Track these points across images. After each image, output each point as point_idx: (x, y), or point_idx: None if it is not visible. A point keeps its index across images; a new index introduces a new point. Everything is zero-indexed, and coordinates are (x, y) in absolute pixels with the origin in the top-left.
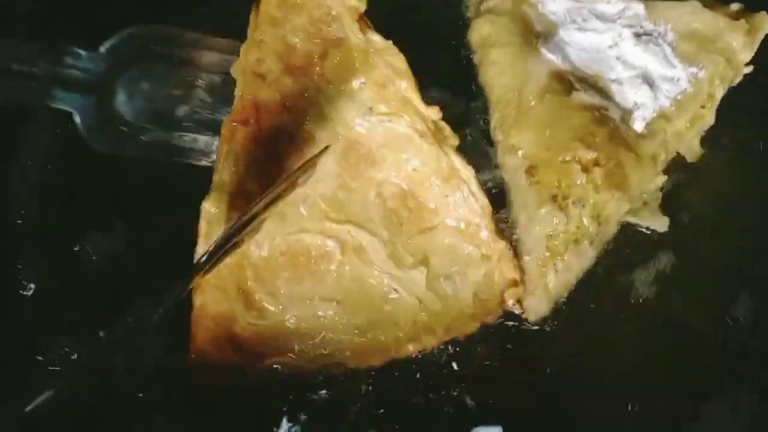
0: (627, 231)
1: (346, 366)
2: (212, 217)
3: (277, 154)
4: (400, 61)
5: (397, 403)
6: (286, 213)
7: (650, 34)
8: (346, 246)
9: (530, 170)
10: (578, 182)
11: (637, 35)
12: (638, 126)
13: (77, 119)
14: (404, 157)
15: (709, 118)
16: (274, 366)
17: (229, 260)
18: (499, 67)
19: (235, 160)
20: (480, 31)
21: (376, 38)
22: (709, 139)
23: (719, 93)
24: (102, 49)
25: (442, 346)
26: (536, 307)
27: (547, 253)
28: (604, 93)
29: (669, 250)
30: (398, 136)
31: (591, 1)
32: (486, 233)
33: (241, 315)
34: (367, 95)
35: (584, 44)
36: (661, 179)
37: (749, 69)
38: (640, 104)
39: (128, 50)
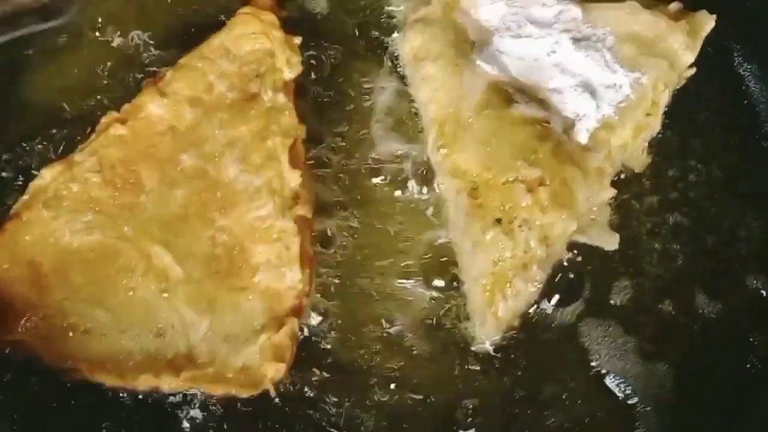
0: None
1: (80, 374)
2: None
3: (135, 171)
4: (289, 120)
5: None
6: (118, 215)
7: (589, 39)
8: (150, 268)
9: (472, 192)
10: (523, 204)
11: (576, 40)
12: (582, 138)
13: None
14: (251, 210)
15: (655, 126)
16: (16, 341)
17: (33, 232)
18: (434, 83)
19: (94, 152)
20: (411, 43)
21: (281, 98)
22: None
23: (663, 99)
24: None
25: None
26: (486, 335)
27: (494, 280)
28: (544, 104)
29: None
30: (255, 188)
31: (526, 6)
32: (279, 302)
33: (17, 282)
34: (247, 144)
35: (521, 52)
36: (609, 193)
37: (692, 71)
38: (583, 115)
39: None
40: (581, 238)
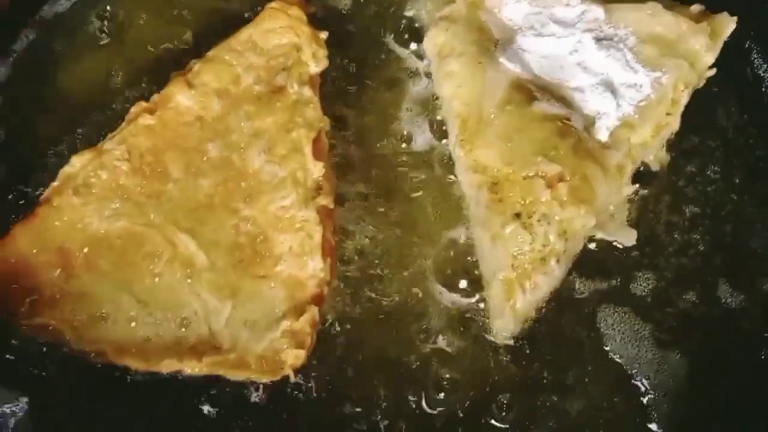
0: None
1: (105, 357)
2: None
3: (162, 160)
4: (314, 113)
5: None
6: (145, 203)
7: (611, 39)
8: (176, 255)
9: (493, 187)
10: (543, 199)
11: (598, 40)
12: (602, 136)
13: None
14: (275, 200)
15: (674, 125)
16: (43, 325)
17: (62, 218)
18: (457, 79)
19: (123, 141)
20: (435, 40)
21: (306, 91)
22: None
23: (684, 98)
24: None
25: None
26: (504, 328)
27: (513, 274)
28: (566, 102)
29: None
30: (280, 179)
31: (549, 6)
32: (300, 290)
33: (46, 266)
34: (272, 136)
35: (544, 51)
36: (628, 190)
37: (712, 72)
38: (603, 113)
39: None
40: (600, 234)
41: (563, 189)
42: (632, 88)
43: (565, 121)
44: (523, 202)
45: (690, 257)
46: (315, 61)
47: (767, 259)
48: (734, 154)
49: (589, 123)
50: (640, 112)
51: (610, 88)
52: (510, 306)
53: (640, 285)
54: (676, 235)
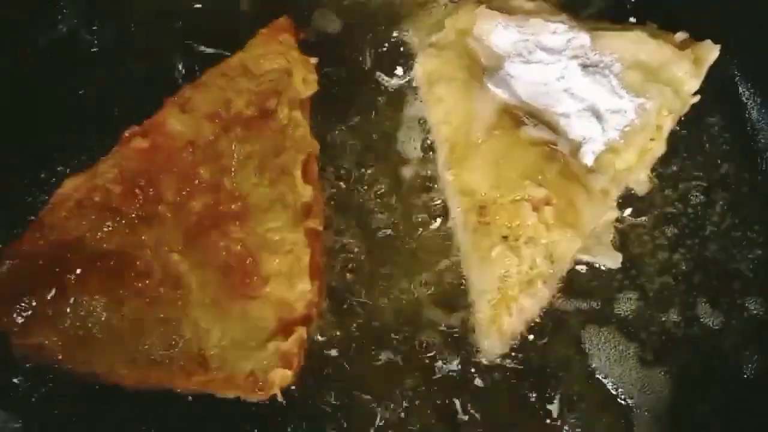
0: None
1: (96, 377)
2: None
3: (155, 183)
4: (304, 136)
5: None
6: (137, 225)
7: (597, 65)
8: (167, 276)
9: (480, 211)
10: (529, 222)
11: (584, 66)
12: (588, 160)
13: None
14: (265, 222)
15: (658, 150)
16: (36, 344)
17: (55, 239)
18: (446, 105)
19: (116, 164)
20: (424, 67)
21: (296, 115)
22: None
23: (668, 124)
24: None
25: None
26: (492, 347)
27: (500, 296)
28: (552, 126)
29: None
30: (270, 202)
31: (537, 33)
32: (289, 312)
33: (39, 287)
34: (262, 159)
35: (531, 77)
36: (613, 214)
37: (696, 99)
38: (589, 138)
39: None
40: (585, 257)
41: (549, 212)
42: (617, 113)
43: (551, 146)
44: (510, 225)
45: (673, 276)
46: (305, 86)
47: (751, 283)
48: (718, 178)
49: (575, 148)
50: (625, 137)
51: (596, 113)
52: (497, 327)
53: (624, 305)
54: (659, 256)
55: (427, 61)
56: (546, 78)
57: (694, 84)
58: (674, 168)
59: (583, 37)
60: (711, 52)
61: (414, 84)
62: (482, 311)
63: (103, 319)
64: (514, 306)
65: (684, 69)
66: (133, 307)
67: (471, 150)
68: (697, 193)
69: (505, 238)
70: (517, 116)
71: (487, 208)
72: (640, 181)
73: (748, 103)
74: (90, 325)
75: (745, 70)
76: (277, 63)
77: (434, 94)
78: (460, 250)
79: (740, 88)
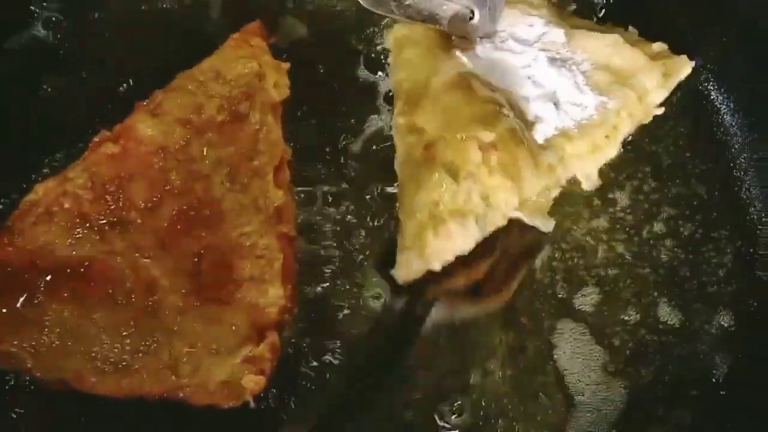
0: None
1: (67, 384)
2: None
3: (126, 188)
4: (276, 141)
5: None
6: (108, 230)
7: (566, 61)
8: (139, 281)
9: (428, 146)
10: (473, 160)
11: (552, 60)
12: (538, 137)
13: None
14: (237, 227)
15: (610, 151)
16: (5, 352)
17: (25, 246)
18: (411, 64)
19: (86, 170)
20: (396, 33)
21: (268, 120)
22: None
23: (625, 127)
24: None
25: None
26: (405, 265)
27: (429, 216)
28: (510, 104)
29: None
30: (242, 206)
31: (512, 25)
32: (261, 317)
33: (9, 293)
34: (234, 164)
35: (498, 62)
36: (555, 192)
37: (660, 111)
38: (543, 119)
39: None
40: (520, 214)
41: (494, 158)
42: (577, 106)
43: (504, 111)
44: (454, 161)
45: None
46: (277, 90)
47: (721, 292)
48: (690, 184)
49: (528, 125)
50: (580, 128)
51: (555, 102)
52: (420, 244)
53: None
54: (624, 263)
55: (400, 29)
56: (513, 64)
57: (660, 95)
58: (645, 172)
59: (556, 33)
60: (683, 67)
61: (389, 87)
62: (408, 228)
63: (73, 326)
64: (442, 228)
65: (653, 80)
66: (103, 313)
67: (427, 99)
68: (668, 200)
69: (447, 169)
70: (478, 82)
71: (434, 145)
72: (589, 176)
73: (721, 108)
74: (60, 332)
75: (718, 74)
76: (248, 67)
77: (402, 58)
78: (399, 182)
79: (713, 93)
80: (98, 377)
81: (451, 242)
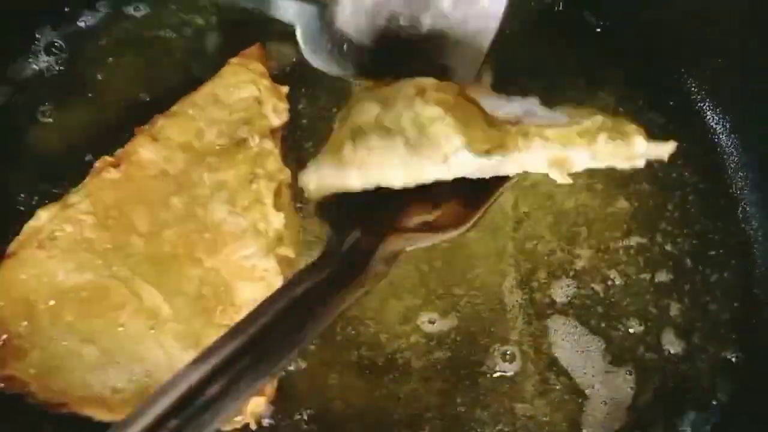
0: None
1: (69, 408)
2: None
3: (127, 213)
4: (275, 164)
5: None
6: (110, 255)
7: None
8: (140, 306)
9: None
10: (408, 94)
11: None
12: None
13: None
14: (238, 250)
15: (579, 161)
16: (8, 376)
17: (28, 271)
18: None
19: (88, 195)
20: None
21: (267, 144)
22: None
23: (600, 146)
24: None
25: None
26: (315, 169)
27: (353, 127)
28: None
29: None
30: (242, 230)
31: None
32: None
33: (12, 319)
34: (234, 188)
35: None
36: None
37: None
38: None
39: None
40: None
41: (432, 93)
42: (551, 116)
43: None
44: (392, 94)
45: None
46: (276, 114)
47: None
48: (689, 207)
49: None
50: (549, 122)
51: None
52: (335, 149)
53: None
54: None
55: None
56: None
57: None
58: (639, 191)
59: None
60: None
61: None
62: (327, 144)
63: (76, 350)
64: (362, 139)
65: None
66: (106, 337)
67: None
68: (664, 219)
69: (380, 99)
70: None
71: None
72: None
73: (717, 128)
74: (63, 356)
75: (713, 93)
76: (247, 92)
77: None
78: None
79: (708, 113)
80: (100, 400)
81: (371, 156)
